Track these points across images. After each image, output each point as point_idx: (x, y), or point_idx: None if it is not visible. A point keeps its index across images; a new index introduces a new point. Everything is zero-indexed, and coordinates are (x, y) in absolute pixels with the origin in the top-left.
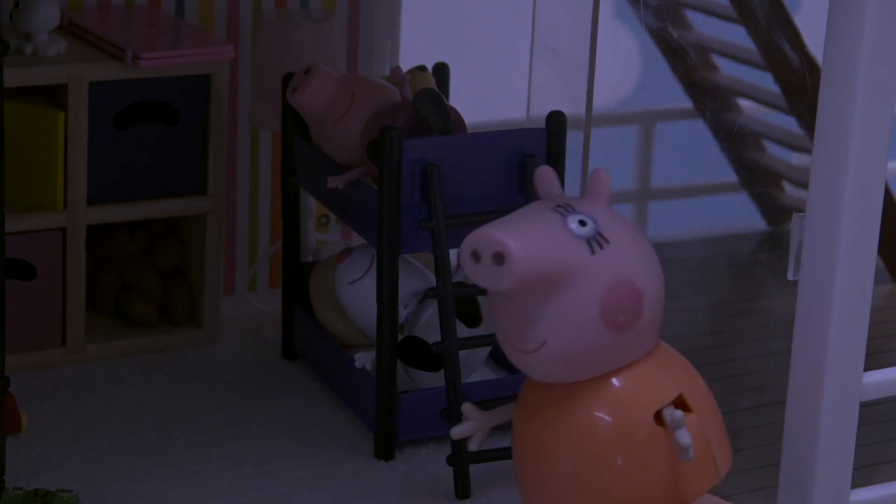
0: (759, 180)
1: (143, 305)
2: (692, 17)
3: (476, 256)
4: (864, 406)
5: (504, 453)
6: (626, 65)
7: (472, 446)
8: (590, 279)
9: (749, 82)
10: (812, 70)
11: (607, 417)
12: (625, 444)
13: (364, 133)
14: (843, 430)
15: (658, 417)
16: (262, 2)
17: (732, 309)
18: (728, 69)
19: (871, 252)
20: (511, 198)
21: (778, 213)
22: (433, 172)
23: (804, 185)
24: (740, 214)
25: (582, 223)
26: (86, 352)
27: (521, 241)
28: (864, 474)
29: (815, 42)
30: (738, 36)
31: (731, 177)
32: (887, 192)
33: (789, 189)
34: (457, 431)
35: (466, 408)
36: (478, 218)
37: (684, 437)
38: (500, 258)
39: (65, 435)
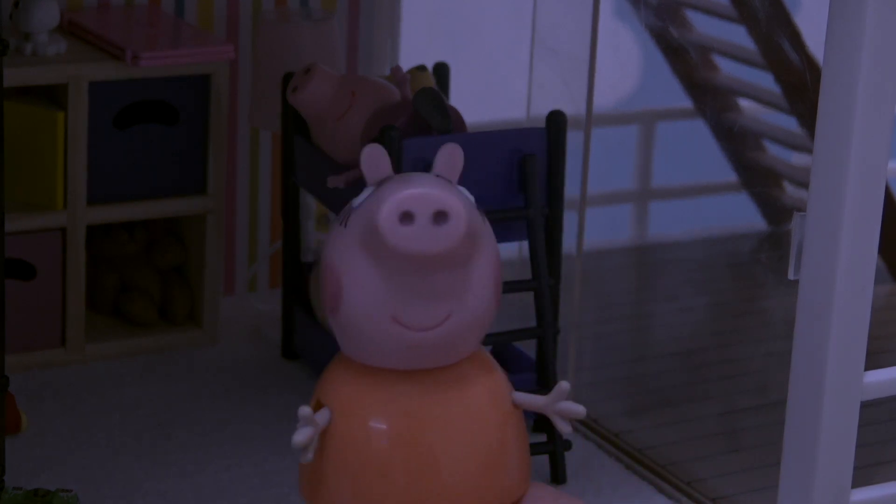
0: (759, 180)
1: (143, 305)
2: (692, 16)
3: (407, 217)
4: (865, 406)
5: None
6: (626, 65)
7: (308, 458)
8: (485, 251)
9: (749, 82)
10: (812, 70)
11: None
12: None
13: (364, 133)
14: (843, 430)
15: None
16: (262, 2)
17: (732, 309)
18: (728, 69)
19: (872, 252)
20: (511, 197)
21: (778, 213)
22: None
23: (804, 184)
24: (740, 214)
25: (466, 192)
26: (86, 352)
27: (457, 198)
28: (864, 474)
29: (815, 42)
30: (738, 36)
31: (731, 177)
32: (888, 192)
33: (789, 189)
34: (297, 440)
35: (304, 411)
36: None
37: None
38: (442, 216)
39: (65, 435)
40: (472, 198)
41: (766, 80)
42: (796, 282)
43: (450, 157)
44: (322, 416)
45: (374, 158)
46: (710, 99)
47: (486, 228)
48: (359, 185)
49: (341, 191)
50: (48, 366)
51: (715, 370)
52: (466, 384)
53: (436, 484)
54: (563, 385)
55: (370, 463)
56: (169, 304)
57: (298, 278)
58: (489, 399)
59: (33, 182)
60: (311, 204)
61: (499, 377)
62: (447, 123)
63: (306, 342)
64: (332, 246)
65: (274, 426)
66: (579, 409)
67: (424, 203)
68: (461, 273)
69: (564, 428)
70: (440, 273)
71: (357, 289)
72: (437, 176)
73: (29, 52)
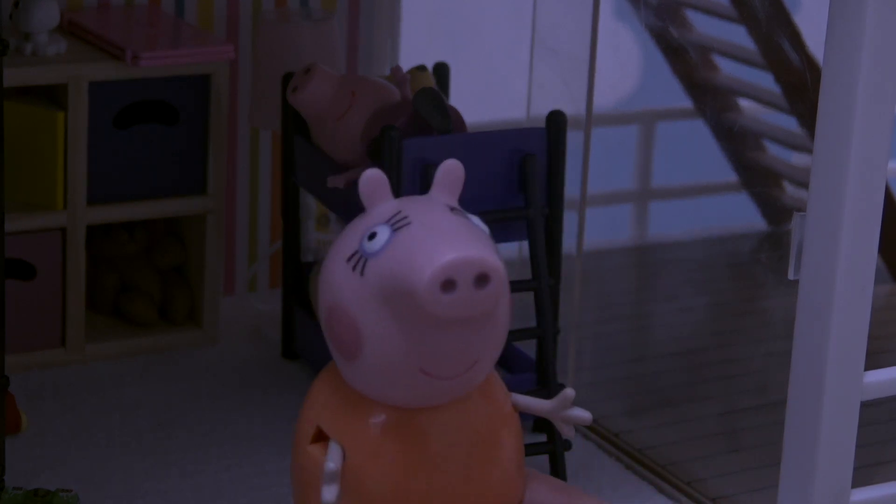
0: (759, 180)
1: (143, 305)
2: (692, 16)
3: (449, 285)
4: (865, 406)
5: None
6: (626, 65)
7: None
8: (504, 287)
9: (749, 82)
10: (812, 70)
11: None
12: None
13: (364, 133)
14: (843, 430)
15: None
16: (262, 2)
17: (732, 309)
18: (728, 69)
19: (872, 252)
20: (511, 197)
21: (778, 213)
22: (433, 172)
23: (804, 184)
24: (740, 214)
25: (479, 220)
26: (86, 352)
27: (493, 255)
28: (864, 474)
29: (815, 42)
30: (738, 36)
31: (731, 177)
32: (887, 192)
33: (789, 189)
34: (329, 499)
35: (331, 468)
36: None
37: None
38: (483, 280)
39: (65, 435)
40: (485, 228)
41: (766, 80)
42: (796, 282)
43: (449, 173)
44: (337, 454)
45: (374, 184)
46: (710, 99)
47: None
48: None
49: (341, 191)
50: (48, 366)
51: (715, 370)
52: (467, 397)
53: (432, 486)
54: (569, 392)
55: (370, 471)
56: (169, 304)
57: (298, 278)
58: (485, 403)
59: (33, 182)
60: (311, 204)
61: (495, 381)
62: (447, 123)
63: (306, 342)
64: (345, 292)
65: (274, 426)
66: (586, 416)
67: (467, 269)
68: (489, 321)
69: (568, 432)
70: (471, 326)
71: (381, 341)
72: (453, 210)
73: (29, 52)
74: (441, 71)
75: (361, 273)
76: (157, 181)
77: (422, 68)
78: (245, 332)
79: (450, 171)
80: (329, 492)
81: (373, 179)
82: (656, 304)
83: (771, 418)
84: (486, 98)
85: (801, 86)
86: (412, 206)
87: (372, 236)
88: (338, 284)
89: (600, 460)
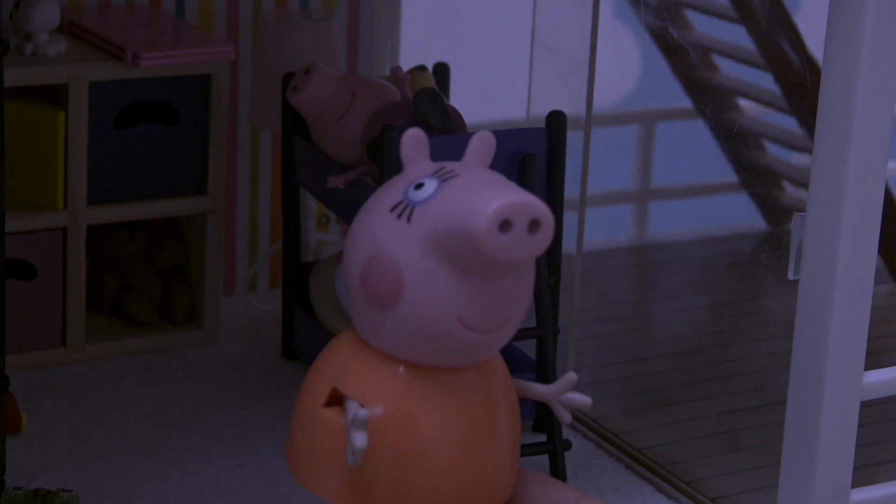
0: (759, 180)
1: (143, 305)
2: (692, 17)
3: (507, 225)
4: (865, 406)
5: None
6: (626, 65)
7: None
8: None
9: (749, 82)
10: (812, 70)
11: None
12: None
13: (364, 132)
14: (843, 430)
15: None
16: (262, 2)
17: (732, 309)
18: (728, 69)
19: (872, 252)
20: None
21: (778, 213)
22: None
23: (804, 185)
24: (740, 214)
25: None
26: (86, 352)
27: (545, 204)
28: (864, 474)
29: (815, 42)
30: (738, 36)
31: (731, 177)
32: (887, 192)
33: (789, 189)
34: (360, 444)
35: (362, 414)
36: None
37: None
38: (536, 225)
39: (65, 435)
40: None
41: (766, 80)
42: (796, 282)
43: (483, 142)
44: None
45: (417, 142)
46: (710, 99)
47: None
48: (359, 184)
49: (341, 191)
50: (48, 366)
51: (715, 370)
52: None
53: (424, 468)
54: (571, 376)
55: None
56: (169, 304)
57: (298, 278)
58: (490, 381)
59: (34, 182)
60: (311, 204)
61: (499, 362)
62: (447, 123)
63: (306, 342)
64: (388, 241)
65: (274, 426)
66: (586, 400)
67: (524, 212)
68: (525, 276)
69: (565, 417)
70: (510, 278)
71: (423, 288)
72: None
73: (29, 52)
74: (441, 71)
75: (409, 220)
76: (157, 181)
77: (422, 68)
78: (245, 332)
79: (483, 140)
80: (360, 438)
81: (415, 138)
82: (656, 304)
83: (771, 418)
84: (486, 98)
85: (801, 86)
86: (453, 164)
87: (419, 186)
88: (380, 233)
89: (600, 460)
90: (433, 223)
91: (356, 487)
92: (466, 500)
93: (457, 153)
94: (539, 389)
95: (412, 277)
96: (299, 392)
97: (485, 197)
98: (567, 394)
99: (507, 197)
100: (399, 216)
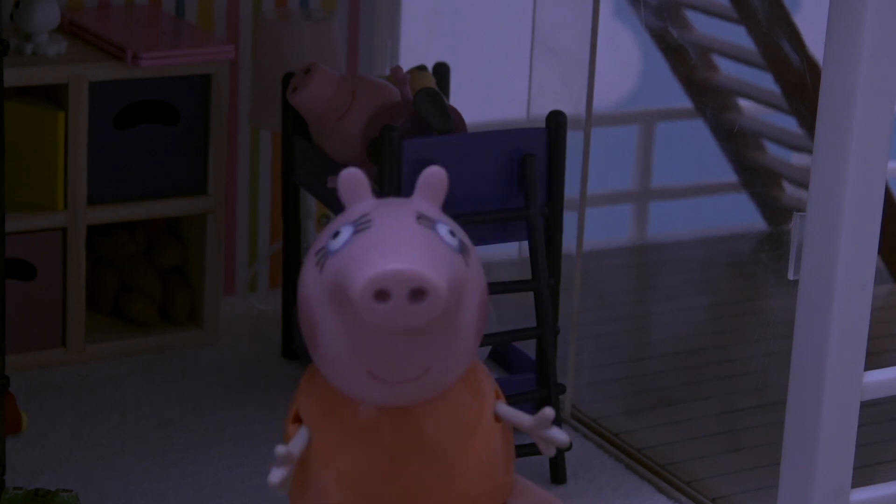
0: (759, 180)
1: (143, 305)
2: (692, 16)
3: (382, 295)
4: (865, 406)
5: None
6: (626, 65)
7: (284, 493)
8: (469, 295)
9: (749, 82)
10: (812, 70)
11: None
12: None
13: (364, 133)
14: (843, 430)
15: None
16: (262, 2)
17: (732, 309)
18: (728, 69)
19: (872, 252)
20: (511, 197)
21: (778, 213)
22: None
23: (804, 185)
24: (740, 214)
25: (452, 233)
26: (86, 352)
27: (437, 270)
28: (864, 474)
29: (815, 42)
30: (738, 36)
31: (731, 177)
32: (887, 192)
33: (789, 189)
34: (273, 481)
35: (281, 450)
36: (478, 217)
37: None
38: (419, 294)
39: (65, 435)
40: (454, 241)
41: (766, 80)
42: (796, 282)
43: (430, 179)
44: (297, 443)
45: (353, 182)
46: (710, 99)
47: (469, 268)
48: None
49: None
50: (48, 366)
51: (714, 370)
52: (452, 398)
53: (416, 495)
54: (547, 412)
55: (347, 483)
56: (169, 304)
57: (298, 278)
58: (475, 411)
59: (33, 182)
60: (311, 204)
61: (484, 388)
62: (447, 123)
63: None
64: (307, 286)
65: (274, 426)
66: (563, 438)
67: (401, 282)
68: (440, 330)
69: (548, 451)
70: (417, 334)
71: (332, 338)
72: (420, 217)
73: (29, 52)
74: (441, 71)
75: (321, 269)
76: (157, 181)
77: (422, 68)
78: (245, 332)
79: (430, 177)
80: (275, 474)
81: (350, 178)
82: (656, 304)
83: (771, 418)
84: (486, 98)
85: (801, 86)
86: (381, 209)
87: (336, 235)
88: (304, 277)
89: (600, 460)
90: (332, 277)
91: None
92: None
93: (457, 153)
94: (519, 419)
95: (322, 328)
96: None
97: (367, 263)
98: (545, 430)
99: (383, 266)
100: (317, 263)
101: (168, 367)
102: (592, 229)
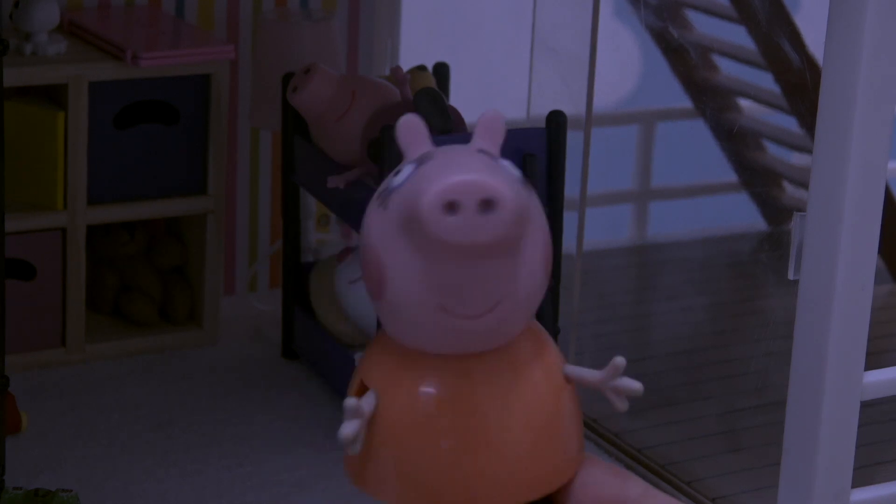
0: (759, 180)
1: (143, 305)
2: (692, 16)
3: (452, 206)
4: (865, 406)
5: None
6: (626, 65)
7: (355, 450)
8: (535, 230)
9: (749, 82)
10: (812, 70)
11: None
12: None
13: (364, 133)
14: (843, 430)
15: None
16: (262, 2)
17: (732, 309)
18: (728, 69)
19: (872, 252)
20: None
21: (778, 213)
22: None
23: (804, 185)
24: (740, 214)
25: (512, 165)
26: (86, 352)
27: (505, 183)
28: (864, 474)
29: (815, 42)
30: (738, 36)
31: (731, 177)
32: (887, 192)
33: (789, 189)
34: (345, 433)
35: (350, 403)
36: None
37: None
38: (488, 205)
39: (65, 435)
40: (517, 173)
41: (766, 80)
42: (796, 282)
43: (490, 123)
44: (368, 402)
45: (411, 129)
46: (710, 99)
47: (534, 204)
48: (358, 184)
49: (341, 191)
50: (48, 366)
51: (714, 370)
52: (517, 355)
53: (485, 455)
54: (619, 360)
55: (416, 432)
56: (169, 304)
57: (298, 278)
58: (541, 370)
59: (33, 182)
60: (311, 204)
61: (551, 348)
62: (447, 123)
63: (306, 342)
64: (372, 228)
65: (274, 426)
66: (636, 386)
67: (470, 191)
68: (510, 258)
69: (621, 405)
70: (489, 260)
71: (401, 276)
72: (480, 151)
73: (29, 52)
74: (441, 71)
75: (385, 207)
76: (157, 181)
77: (422, 68)
78: (245, 332)
79: (489, 120)
80: (347, 426)
81: (409, 124)
82: (656, 304)
83: (771, 418)
84: (486, 98)
85: (801, 86)
86: (443, 147)
87: (398, 172)
88: (367, 222)
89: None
90: (398, 208)
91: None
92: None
93: None
94: (585, 375)
95: (391, 266)
96: None
97: (434, 178)
98: (617, 380)
99: (452, 177)
100: (380, 204)
101: (168, 367)
102: (592, 229)
